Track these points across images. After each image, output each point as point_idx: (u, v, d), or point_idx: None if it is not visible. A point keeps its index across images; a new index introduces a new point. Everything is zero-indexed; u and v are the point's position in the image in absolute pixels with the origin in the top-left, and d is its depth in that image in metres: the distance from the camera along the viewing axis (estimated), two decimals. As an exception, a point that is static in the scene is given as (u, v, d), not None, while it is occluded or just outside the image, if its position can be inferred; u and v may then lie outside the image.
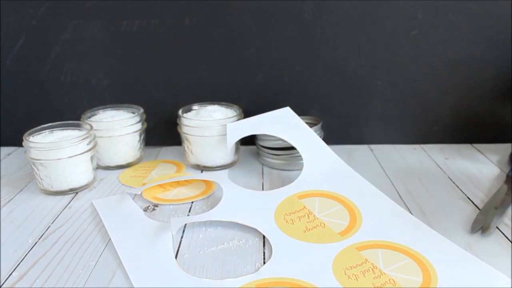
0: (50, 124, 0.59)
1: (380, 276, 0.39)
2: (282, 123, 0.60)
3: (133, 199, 0.54)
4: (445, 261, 0.40)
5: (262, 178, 0.61)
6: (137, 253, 0.43)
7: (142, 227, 0.48)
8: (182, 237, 0.46)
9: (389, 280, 0.38)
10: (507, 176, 0.56)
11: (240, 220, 0.47)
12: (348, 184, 0.53)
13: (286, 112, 0.61)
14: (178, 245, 0.45)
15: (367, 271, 0.39)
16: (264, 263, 0.42)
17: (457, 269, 0.39)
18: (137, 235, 0.46)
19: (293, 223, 0.47)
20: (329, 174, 0.50)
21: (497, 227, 0.46)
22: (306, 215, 0.48)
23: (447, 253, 0.42)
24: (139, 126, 0.65)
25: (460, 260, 0.40)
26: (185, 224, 0.48)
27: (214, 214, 0.49)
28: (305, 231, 0.46)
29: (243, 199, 0.52)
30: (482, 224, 0.46)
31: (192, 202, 0.54)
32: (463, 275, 0.39)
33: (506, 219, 0.48)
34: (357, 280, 0.38)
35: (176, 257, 0.43)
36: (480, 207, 0.51)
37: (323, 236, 0.45)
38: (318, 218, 0.48)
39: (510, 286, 0.37)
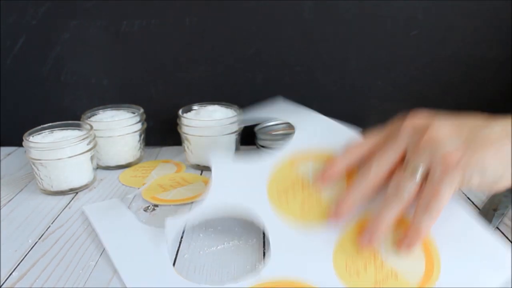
0: (50, 124, 0.59)
1: (381, 267, 0.38)
2: (275, 109, 0.57)
3: (128, 206, 0.54)
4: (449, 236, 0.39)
5: (262, 178, 0.61)
6: (132, 260, 0.42)
7: (135, 233, 0.47)
8: (182, 237, 0.46)
9: (391, 271, 0.38)
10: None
11: (234, 212, 0.45)
12: (342, 140, 0.49)
13: (279, 101, 0.59)
14: (178, 245, 0.45)
15: (369, 264, 0.39)
16: (264, 263, 0.42)
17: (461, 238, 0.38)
18: (131, 242, 0.45)
19: (288, 204, 0.44)
20: (322, 132, 0.48)
21: (497, 227, 0.46)
22: (301, 185, 0.45)
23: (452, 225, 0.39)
24: (139, 126, 0.65)
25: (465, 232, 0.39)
26: (185, 225, 0.48)
27: (205, 208, 0.46)
28: (302, 207, 0.44)
29: (233, 181, 0.47)
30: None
31: (192, 202, 0.54)
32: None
33: (506, 220, 0.48)
34: (358, 277, 0.38)
35: (176, 257, 0.43)
36: (480, 207, 0.50)
37: (320, 211, 0.43)
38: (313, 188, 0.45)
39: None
